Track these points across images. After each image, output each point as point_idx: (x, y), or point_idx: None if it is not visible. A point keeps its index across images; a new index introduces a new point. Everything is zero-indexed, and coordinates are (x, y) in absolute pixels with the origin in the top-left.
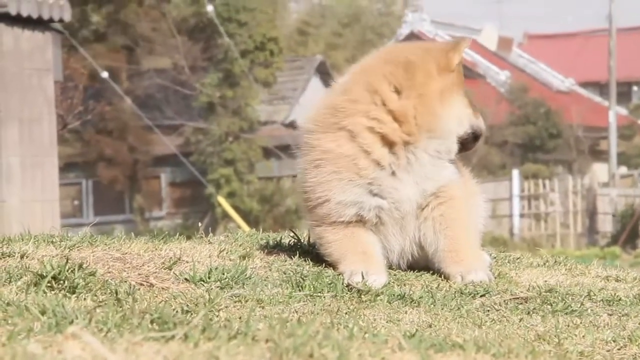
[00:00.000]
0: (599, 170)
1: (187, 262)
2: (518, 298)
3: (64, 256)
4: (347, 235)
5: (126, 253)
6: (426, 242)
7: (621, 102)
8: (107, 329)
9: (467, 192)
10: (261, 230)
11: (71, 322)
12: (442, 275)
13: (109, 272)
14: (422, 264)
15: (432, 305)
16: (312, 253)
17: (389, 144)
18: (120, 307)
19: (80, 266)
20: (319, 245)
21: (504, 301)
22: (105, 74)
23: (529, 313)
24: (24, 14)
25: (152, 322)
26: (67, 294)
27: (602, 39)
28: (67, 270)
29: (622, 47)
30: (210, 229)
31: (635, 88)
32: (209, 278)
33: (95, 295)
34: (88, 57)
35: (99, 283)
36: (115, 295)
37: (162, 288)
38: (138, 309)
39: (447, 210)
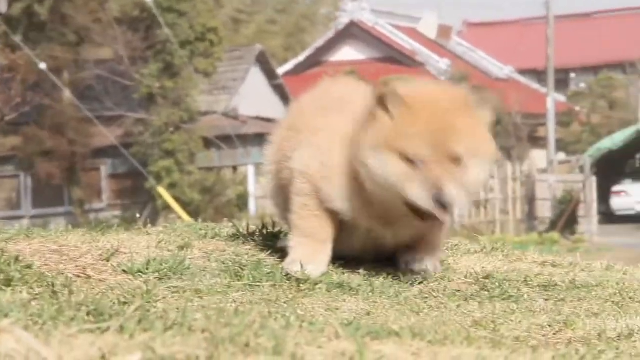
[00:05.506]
0: (538, 157)
1: (125, 253)
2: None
3: (0, 249)
4: (325, 215)
5: (63, 245)
6: None
7: (559, 89)
8: (42, 322)
9: None
10: (201, 220)
11: (6, 315)
12: (381, 263)
13: (46, 265)
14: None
15: (370, 293)
16: (251, 243)
17: None
18: (57, 299)
19: (17, 259)
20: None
21: (442, 288)
22: (43, 66)
23: (466, 299)
24: None
25: (88, 314)
26: (2, 287)
27: (540, 27)
28: (3, 263)
29: (559, 35)
30: (149, 220)
31: (572, 75)
32: (147, 269)
33: (32, 288)
34: (25, 49)
35: (35, 276)
36: (51, 287)
37: (100, 280)
38: (74, 301)
39: None
